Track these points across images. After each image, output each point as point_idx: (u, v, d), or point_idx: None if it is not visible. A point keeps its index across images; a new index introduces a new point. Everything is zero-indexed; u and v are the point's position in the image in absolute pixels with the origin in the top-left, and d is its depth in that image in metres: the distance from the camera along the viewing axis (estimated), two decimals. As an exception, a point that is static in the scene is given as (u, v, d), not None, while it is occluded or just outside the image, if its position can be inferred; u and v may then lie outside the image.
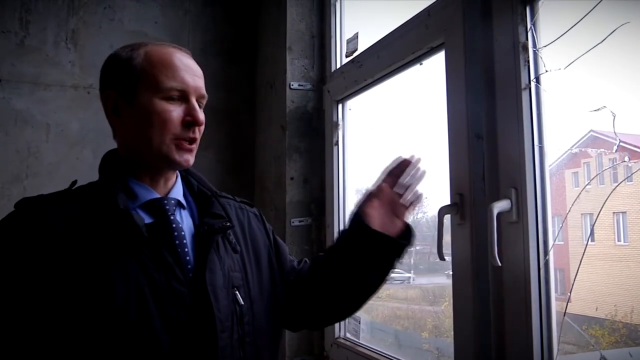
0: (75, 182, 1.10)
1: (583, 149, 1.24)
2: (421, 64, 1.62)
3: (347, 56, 2.05)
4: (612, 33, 1.07)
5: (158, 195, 1.07)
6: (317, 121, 2.17)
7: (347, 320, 1.95)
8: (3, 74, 2.34)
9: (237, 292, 1.05)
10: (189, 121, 1.05)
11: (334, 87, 2.08)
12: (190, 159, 1.07)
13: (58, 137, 2.39)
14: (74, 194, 1.05)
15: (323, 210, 2.13)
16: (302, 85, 2.17)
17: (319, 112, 2.17)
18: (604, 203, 1.12)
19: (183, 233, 1.04)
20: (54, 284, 0.91)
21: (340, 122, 2.07)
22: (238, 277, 1.08)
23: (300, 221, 2.10)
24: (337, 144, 2.06)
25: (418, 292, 2.07)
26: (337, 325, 1.99)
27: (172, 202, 1.08)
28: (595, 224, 1.18)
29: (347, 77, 1.98)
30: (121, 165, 1.08)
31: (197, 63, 1.16)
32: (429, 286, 2.01)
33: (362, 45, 1.96)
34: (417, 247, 2.04)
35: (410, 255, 2.06)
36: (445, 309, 1.87)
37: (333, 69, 2.14)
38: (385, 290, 2.10)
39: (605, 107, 1.11)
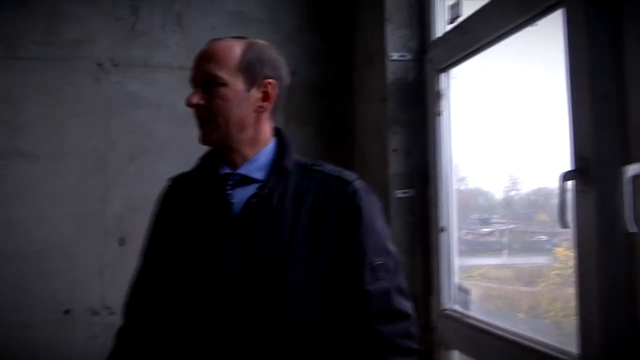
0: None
1: None
2: (535, 25, 1.55)
3: (449, 23, 2.00)
4: None
5: (227, 171, 1.22)
6: (418, 92, 2.13)
7: (455, 291, 1.94)
8: (117, 58, 2.50)
9: (264, 267, 1.13)
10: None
11: (436, 56, 2.04)
12: (203, 136, 1.20)
13: (168, 117, 2.53)
14: (191, 171, 1.32)
15: (426, 182, 2.11)
16: (402, 56, 2.14)
17: (420, 83, 2.13)
18: None
19: (231, 206, 1.18)
20: (163, 223, 1.33)
21: (443, 91, 2.02)
22: (272, 255, 1.13)
23: (404, 193, 2.09)
24: (440, 114, 2.02)
25: (512, 271, 2.00)
26: (444, 296, 1.97)
27: (237, 177, 1.21)
28: None
29: (450, 45, 1.92)
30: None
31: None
32: (524, 266, 1.94)
33: (466, 11, 1.89)
34: (511, 226, 1.97)
35: (504, 234, 2.00)
36: (543, 290, 1.80)
37: (434, 37, 2.09)
38: (477, 269, 2.06)
39: None
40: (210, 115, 1.17)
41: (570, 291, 1.64)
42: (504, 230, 1.99)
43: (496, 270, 2.07)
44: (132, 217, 2.48)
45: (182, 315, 1.17)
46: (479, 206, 2.13)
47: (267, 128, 1.25)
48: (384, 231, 1.23)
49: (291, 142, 1.27)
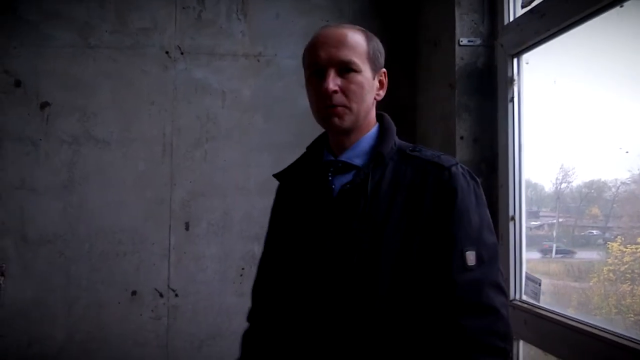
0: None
1: None
2: (621, 6, 1.48)
3: (523, 7, 1.94)
4: None
5: (331, 158, 1.24)
6: (487, 78, 2.09)
7: (524, 281, 1.90)
8: (185, 47, 2.55)
9: (356, 250, 1.13)
10: (321, 92, 1.16)
11: (508, 40, 1.98)
12: (336, 120, 1.18)
13: (232, 104, 2.57)
14: (300, 159, 1.34)
15: (493, 169, 2.06)
16: (471, 41, 2.09)
17: (490, 68, 2.09)
18: None
19: (332, 192, 1.21)
20: (277, 213, 1.38)
21: (515, 77, 1.97)
22: (365, 239, 1.13)
23: (471, 181, 2.05)
24: (512, 100, 1.97)
25: (561, 266, 1.93)
26: (512, 287, 1.93)
27: (339, 165, 1.22)
28: None
29: (524, 29, 1.87)
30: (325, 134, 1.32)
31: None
32: (574, 261, 1.87)
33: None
34: (560, 220, 1.91)
35: (553, 228, 1.93)
36: (594, 286, 1.74)
37: (506, 21, 2.04)
38: (526, 263, 2.00)
39: None
40: (347, 101, 1.17)
41: (625, 288, 1.59)
42: (553, 223, 1.94)
43: (544, 265, 2.01)
44: (198, 202, 2.54)
45: (289, 292, 1.23)
46: (527, 199, 2.07)
47: (373, 115, 1.27)
48: (481, 219, 1.14)
49: (392, 127, 1.26)
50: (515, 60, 1.97)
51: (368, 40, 1.20)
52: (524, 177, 1.97)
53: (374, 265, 1.12)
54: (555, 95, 1.88)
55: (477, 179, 1.20)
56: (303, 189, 1.27)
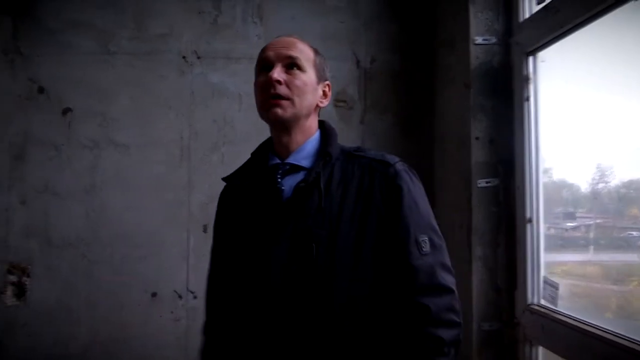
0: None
1: None
2: (637, 0, 1.43)
3: (538, 3, 1.89)
4: None
5: (277, 162, 1.30)
6: (503, 77, 2.04)
7: (542, 285, 1.85)
8: (201, 51, 2.58)
9: (315, 246, 1.18)
10: (266, 82, 1.23)
11: (523, 38, 1.94)
12: (277, 111, 1.23)
13: (249, 107, 2.58)
14: (244, 165, 1.40)
15: (510, 171, 2.02)
16: (486, 40, 2.05)
17: (505, 67, 2.04)
18: None
19: (282, 192, 1.25)
20: (224, 219, 1.40)
21: (531, 75, 1.92)
22: (322, 234, 1.19)
23: (487, 182, 2.01)
24: (528, 99, 1.92)
25: (599, 269, 1.86)
26: (529, 291, 1.89)
27: (286, 167, 1.28)
28: None
29: (539, 27, 1.82)
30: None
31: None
32: (612, 263, 1.80)
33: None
34: (598, 221, 1.84)
35: (590, 229, 1.87)
36: (634, 289, 1.67)
37: (521, 19, 1.99)
38: (561, 265, 1.94)
39: None
40: (290, 93, 1.24)
41: (669, 291, 1.52)
42: (590, 225, 1.87)
43: (581, 267, 1.95)
44: (215, 204, 2.55)
45: (243, 296, 1.26)
46: (563, 199, 2.01)
47: (315, 121, 1.35)
48: (427, 209, 1.27)
49: (334, 131, 1.35)
50: (530, 59, 1.93)
51: (315, 52, 1.32)
52: (541, 178, 1.92)
53: (332, 258, 1.18)
54: (573, 93, 1.83)
55: (416, 174, 1.31)
56: (250, 194, 1.30)
